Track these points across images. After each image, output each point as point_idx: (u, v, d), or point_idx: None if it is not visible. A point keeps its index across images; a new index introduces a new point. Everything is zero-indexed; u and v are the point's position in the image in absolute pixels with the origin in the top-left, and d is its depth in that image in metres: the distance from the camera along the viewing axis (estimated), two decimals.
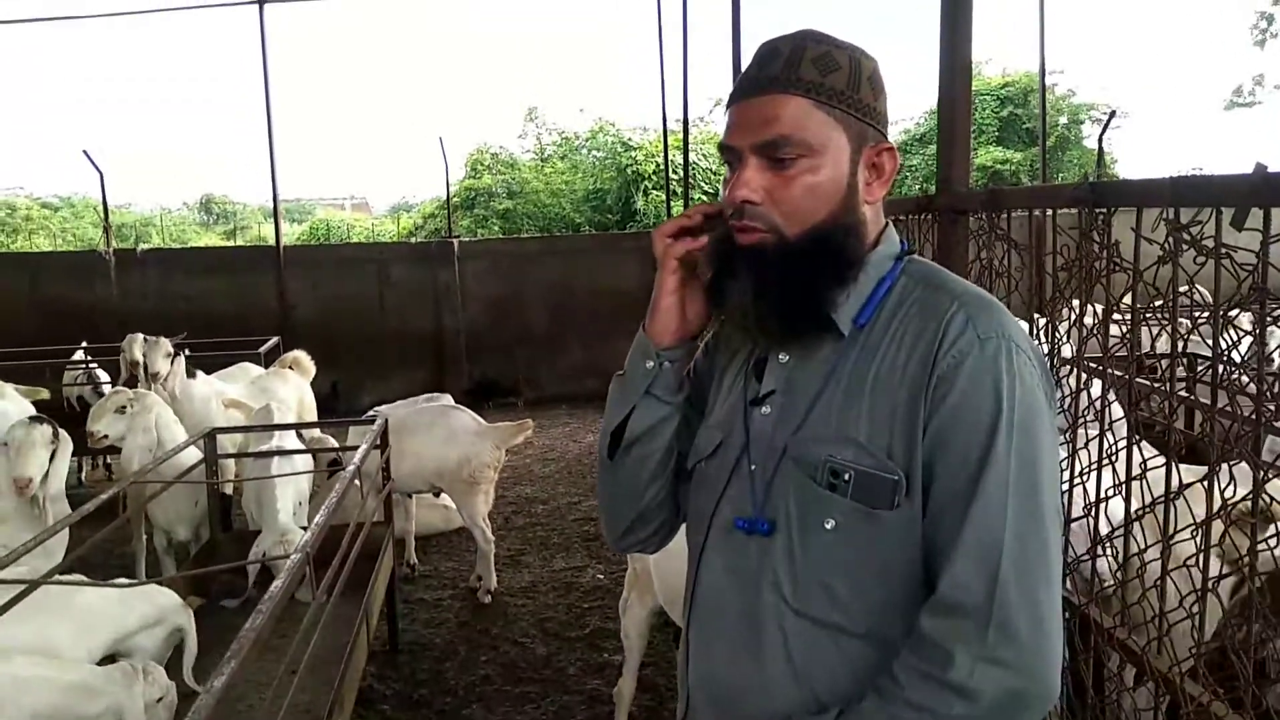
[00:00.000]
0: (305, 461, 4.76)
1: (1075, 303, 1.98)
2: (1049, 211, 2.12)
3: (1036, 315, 2.17)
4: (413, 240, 14.95)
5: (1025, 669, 0.98)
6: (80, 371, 7.06)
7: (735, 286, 1.13)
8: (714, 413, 1.26)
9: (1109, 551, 1.84)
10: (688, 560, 1.27)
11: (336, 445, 5.09)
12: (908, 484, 1.05)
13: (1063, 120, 20.23)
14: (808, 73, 1.10)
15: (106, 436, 4.51)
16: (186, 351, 5.53)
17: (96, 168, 10.05)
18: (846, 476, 1.07)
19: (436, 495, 6.15)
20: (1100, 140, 8.86)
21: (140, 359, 5.78)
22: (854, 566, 1.08)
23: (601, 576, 5.30)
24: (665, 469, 1.28)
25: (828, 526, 1.08)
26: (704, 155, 15.37)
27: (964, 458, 1.02)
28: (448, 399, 6.18)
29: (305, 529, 3.64)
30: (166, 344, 5.39)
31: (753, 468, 1.16)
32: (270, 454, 4.40)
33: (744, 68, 1.17)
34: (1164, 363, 1.97)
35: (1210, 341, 1.55)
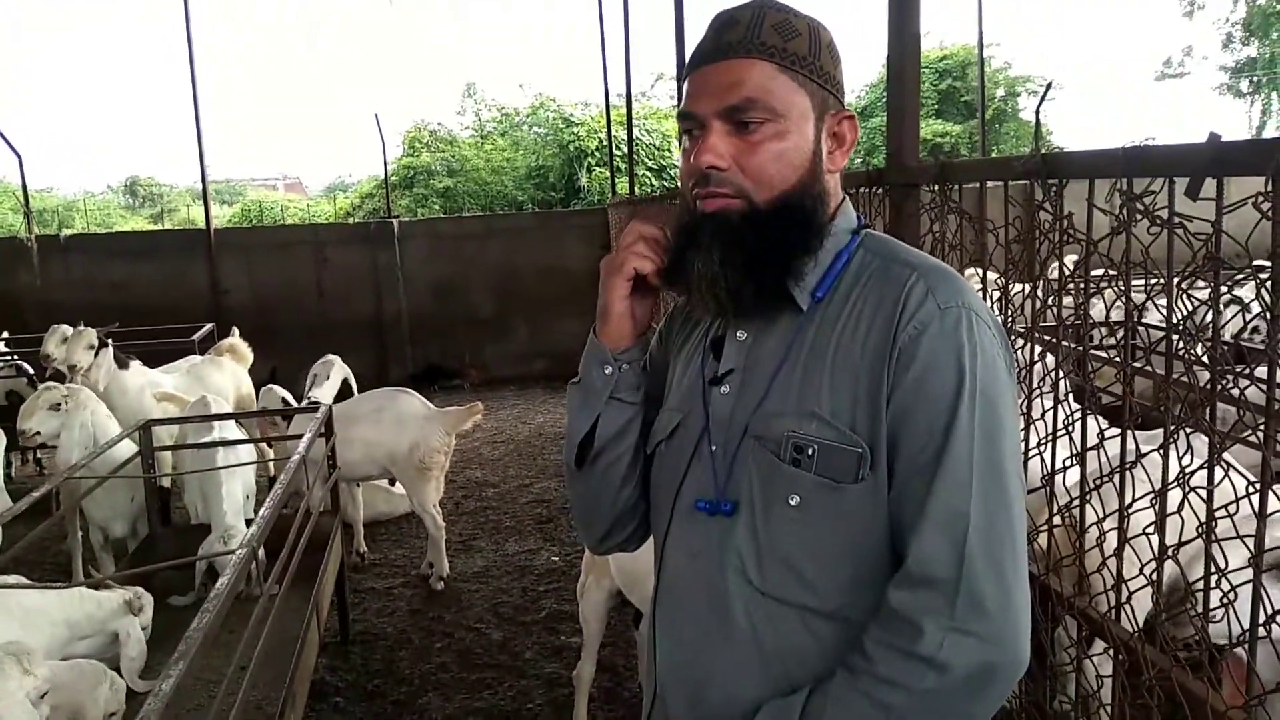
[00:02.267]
0: (249, 452, 4.62)
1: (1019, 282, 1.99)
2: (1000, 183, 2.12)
3: (989, 285, 2.18)
4: (350, 221, 14.64)
5: (995, 639, 0.98)
6: (3, 365, 6.77)
7: (700, 255, 1.10)
8: (672, 394, 1.24)
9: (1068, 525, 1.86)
10: (653, 546, 1.24)
11: (281, 421, 4.98)
12: (872, 456, 1.04)
13: (1000, 93, 20.57)
14: (770, 38, 1.07)
15: (39, 434, 4.28)
16: (110, 342, 5.30)
17: (14, 150, 9.64)
18: (810, 451, 1.05)
19: (391, 484, 6.07)
20: (1037, 112, 9.00)
21: (52, 353, 5.53)
22: (819, 544, 1.07)
23: (556, 559, 5.27)
24: (635, 469, 1.26)
25: (792, 503, 1.07)
26: (647, 131, 15.29)
27: (928, 429, 1.02)
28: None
29: (252, 521, 3.53)
30: (90, 334, 5.15)
31: (713, 448, 1.14)
32: (213, 445, 4.27)
33: (695, 39, 1.14)
34: (1118, 333, 1.99)
35: (1164, 312, 1.56)
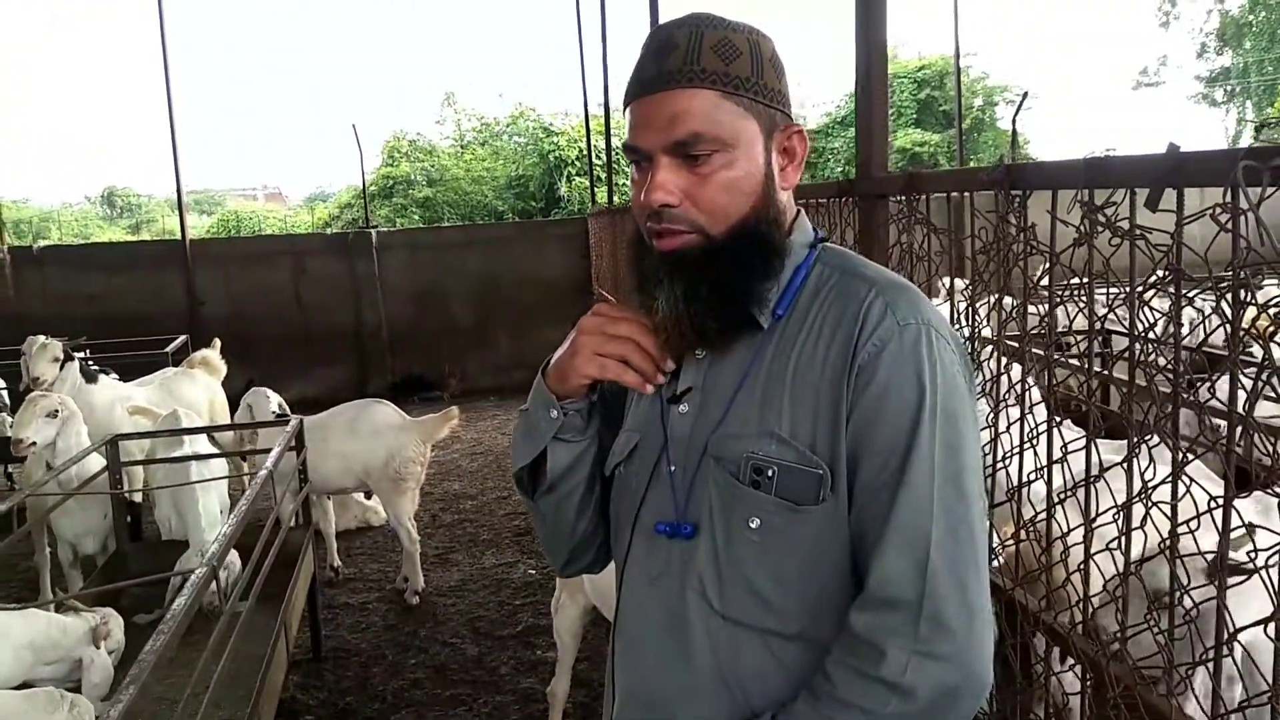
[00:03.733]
0: (222, 466, 4.56)
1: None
2: (966, 195, 2.11)
3: (957, 298, 2.17)
4: (329, 231, 14.54)
5: (959, 661, 0.96)
6: None
7: (662, 294, 1.07)
8: (630, 414, 1.21)
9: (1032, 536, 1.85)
10: (614, 568, 1.22)
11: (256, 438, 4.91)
12: (832, 477, 1.02)
13: (978, 102, 20.71)
14: (710, 62, 1.03)
15: (35, 444, 4.10)
16: (84, 354, 5.22)
17: None
18: (770, 473, 1.03)
19: (368, 497, 6.02)
20: (1014, 122, 9.06)
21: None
22: (781, 566, 1.04)
23: (533, 572, 5.22)
24: (590, 500, 1.23)
25: (752, 526, 1.04)
26: None
27: (888, 448, 0.99)
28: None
29: None
30: (55, 346, 5.05)
31: (672, 469, 1.11)
32: (184, 459, 4.20)
33: (638, 56, 1.10)
34: (1081, 342, 1.99)
35: (1126, 322, 1.55)
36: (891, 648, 0.95)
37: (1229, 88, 25.57)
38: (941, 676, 0.95)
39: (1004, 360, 2.03)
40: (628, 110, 1.09)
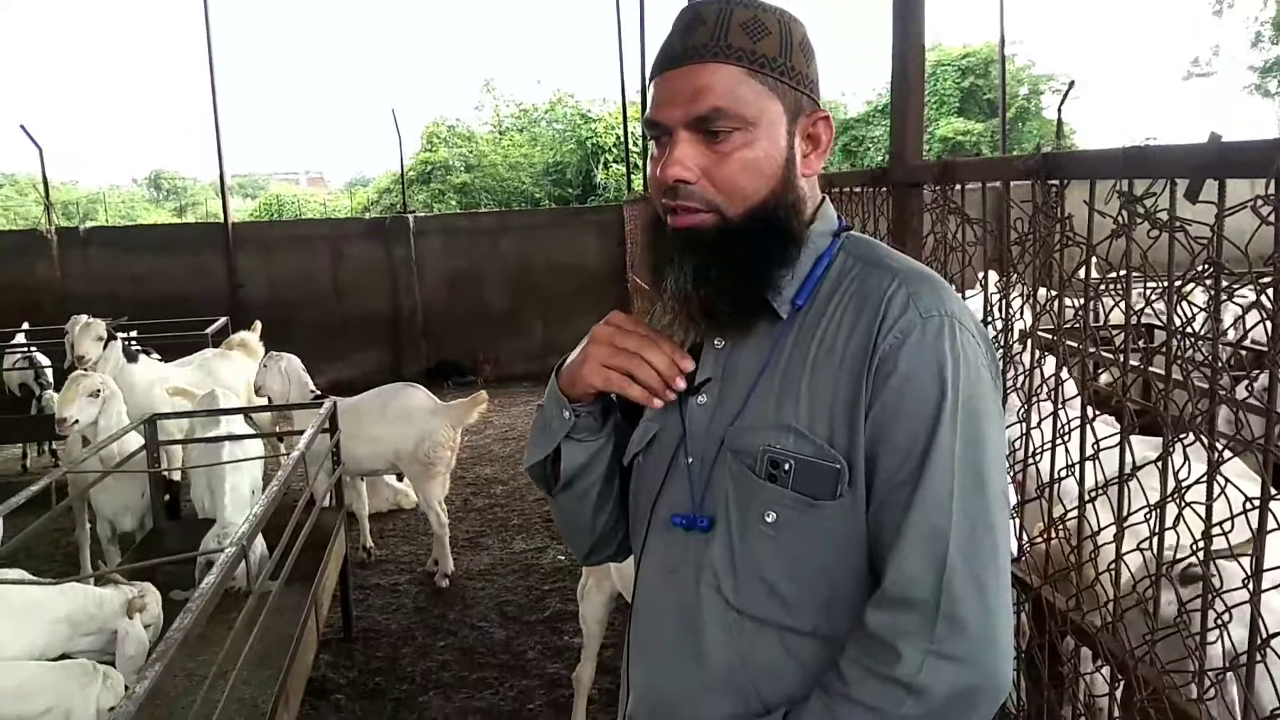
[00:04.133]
0: (257, 447, 4.63)
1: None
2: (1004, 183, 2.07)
3: (992, 290, 2.12)
4: (367, 216, 14.67)
5: (976, 662, 0.94)
6: (19, 357, 6.82)
7: (672, 274, 1.05)
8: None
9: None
10: (632, 558, 1.21)
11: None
12: (850, 472, 1.00)
13: (1023, 91, 20.35)
14: (737, 39, 1.01)
15: (78, 422, 4.20)
16: (125, 334, 5.30)
17: (35, 142, 9.71)
18: (786, 466, 1.01)
19: (400, 479, 6.08)
20: (1059, 111, 8.88)
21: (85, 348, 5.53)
22: (797, 561, 1.03)
23: (562, 558, 5.24)
24: (609, 496, 1.22)
25: (769, 520, 1.02)
26: None
27: (908, 443, 0.97)
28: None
29: None
30: (99, 326, 5.15)
31: (689, 461, 1.10)
32: (219, 439, 4.27)
33: (666, 34, 1.08)
34: (1118, 336, 1.94)
35: (1164, 317, 1.51)
36: (907, 648, 0.93)
37: None
38: (957, 677, 0.93)
39: (1038, 354, 1.99)
40: (652, 86, 1.07)
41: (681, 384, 1.08)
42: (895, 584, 0.96)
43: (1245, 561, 1.23)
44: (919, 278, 1.03)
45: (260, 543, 3.14)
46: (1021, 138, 20.03)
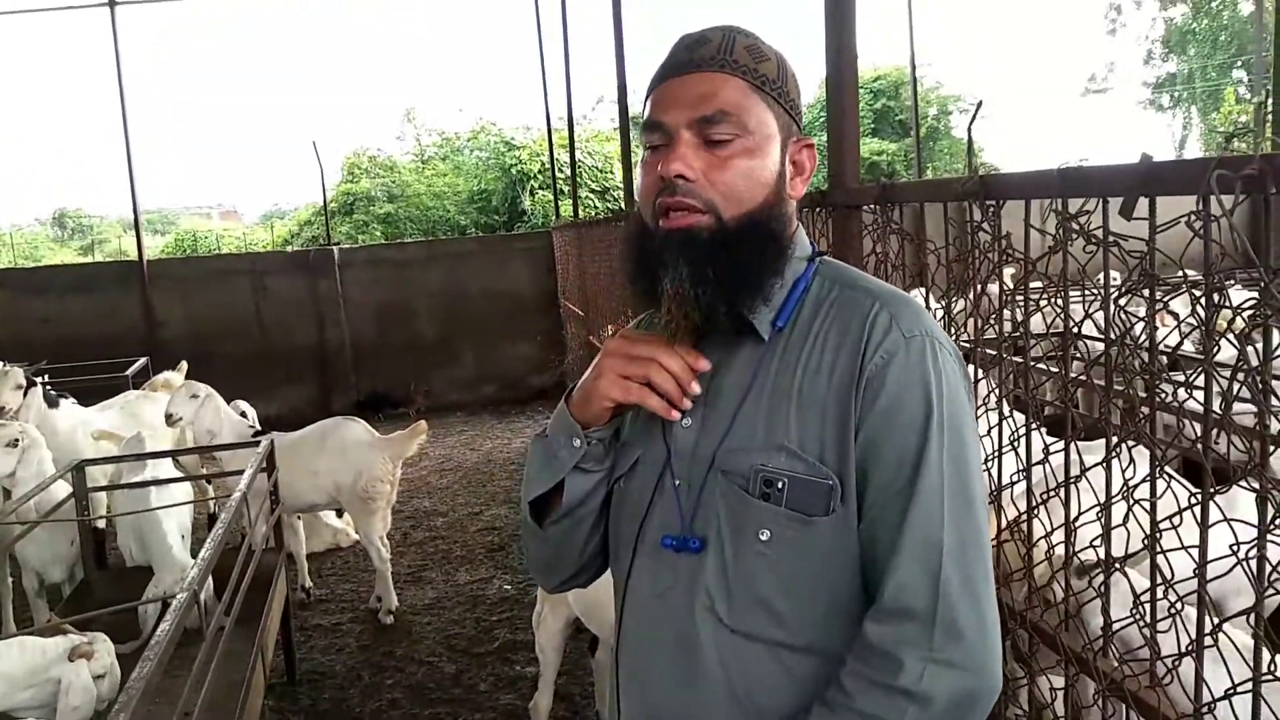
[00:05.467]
0: (185, 491, 4.48)
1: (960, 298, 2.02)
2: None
3: (935, 306, 2.21)
4: (289, 249, 14.37)
5: (974, 666, 0.98)
6: None
7: (668, 275, 1.06)
8: (629, 428, 1.20)
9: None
10: (614, 586, 1.21)
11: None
12: (842, 488, 1.03)
13: (932, 111, 21.06)
14: (742, 57, 1.08)
15: None
16: (44, 379, 5.10)
17: None
18: (780, 484, 1.04)
19: (340, 515, 5.96)
20: (969, 130, 9.21)
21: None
22: (790, 578, 1.05)
23: (509, 587, 5.20)
24: (600, 524, 1.22)
25: (762, 538, 1.05)
26: (589, 154, 15.34)
27: (899, 459, 1.01)
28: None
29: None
30: (17, 373, 4.94)
31: (677, 483, 1.12)
32: (147, 484, 4.12)
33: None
34: (1057, 347, 2.03)
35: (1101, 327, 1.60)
36: (908, 657, 0.96)
37: (1174, 94, 26.26)
38: (957, 683, 0.97)
39: (975, 369, 2.07)
40: (651, 94, 1.11)
41: (697, 389, 1.07)
42: (893, 595, 1.00)
43: (1194, 553, 1.31)
44: (898, 300, 1.07)
45: (209, 585, 3.05)
46: (933, 156, 20.72)
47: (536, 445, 1.19)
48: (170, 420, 4.97)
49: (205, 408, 4.97)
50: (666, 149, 1.07)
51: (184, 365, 7.01)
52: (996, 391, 1.93)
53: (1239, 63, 24.13)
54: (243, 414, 5.11)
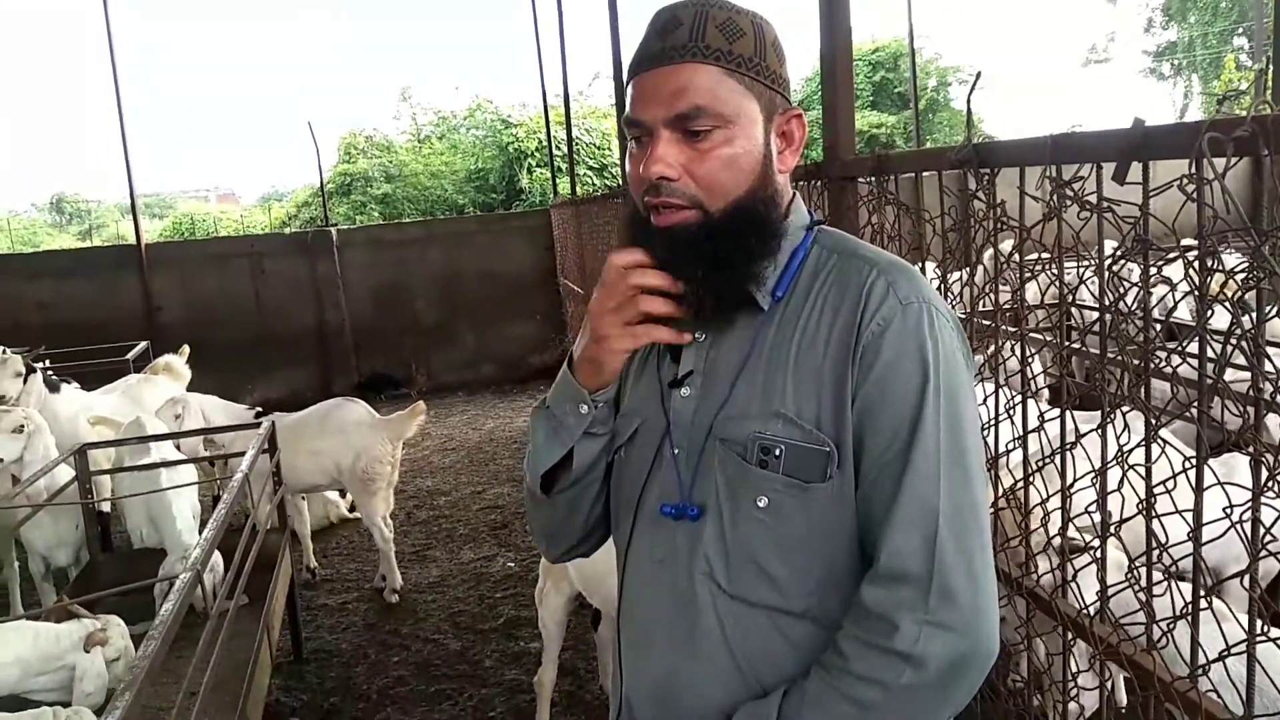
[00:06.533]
0: (192, 472, 4.50)
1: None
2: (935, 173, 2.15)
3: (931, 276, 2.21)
4: (287, 231, 14.34)
5: (968, 630, 0.98)
6: None
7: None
8: (628, 398, 1.21)
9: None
10: (615, 554, 1.23)
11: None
12: (839, 454, 1.04)
13: (931, 83, 20.93)
14: (714, 40, 1.05)
15: (2, 460, 4.01)
16: (44, 365, 5.11)
17: None
18: (778, 452, 1.04)
19: (343, 495, 5.99)
20: (969, 101, 9.15)
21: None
22: (789, 544, 1.06)
23: (512, 564, 5.23)
24: (604, 490, 1.24)
25: (760, 505, 1.06)
26: (586, 130, 15.25)
27: (895, 426, 1.02)
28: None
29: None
30: (16, 361, 4.94)
31: (676, 451, 1.13)
32: (154, 466, 4.14)
33: (631, 37, 1.11)
34: (1053, 316, 2.04)
35: (1096, 293, 1.60)
36: (903, 620, 0.97)
37: (1175, 62, 26.07)
38: (952, 646, 0.97)
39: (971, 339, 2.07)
40: (630, 85, 1.09)
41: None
42: (889, 559, 1.00)
43: (1188, 517, 1.32)
44: (896, 267, 1.07)
45: (219, 561, 3.07)
46: (932, 128, 20.61)
47: (539, 418, 1.20)
48: None
49: (187, 414, 5.02)
50: (650, 139, 1.07)
51: (185, 349, 7.00)
52: (993, 361, 1.93)
53: (1240, 30, 23.93)
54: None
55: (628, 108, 1.10)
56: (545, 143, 13.31)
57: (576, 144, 13.16)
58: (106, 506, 4.81)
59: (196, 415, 5.09)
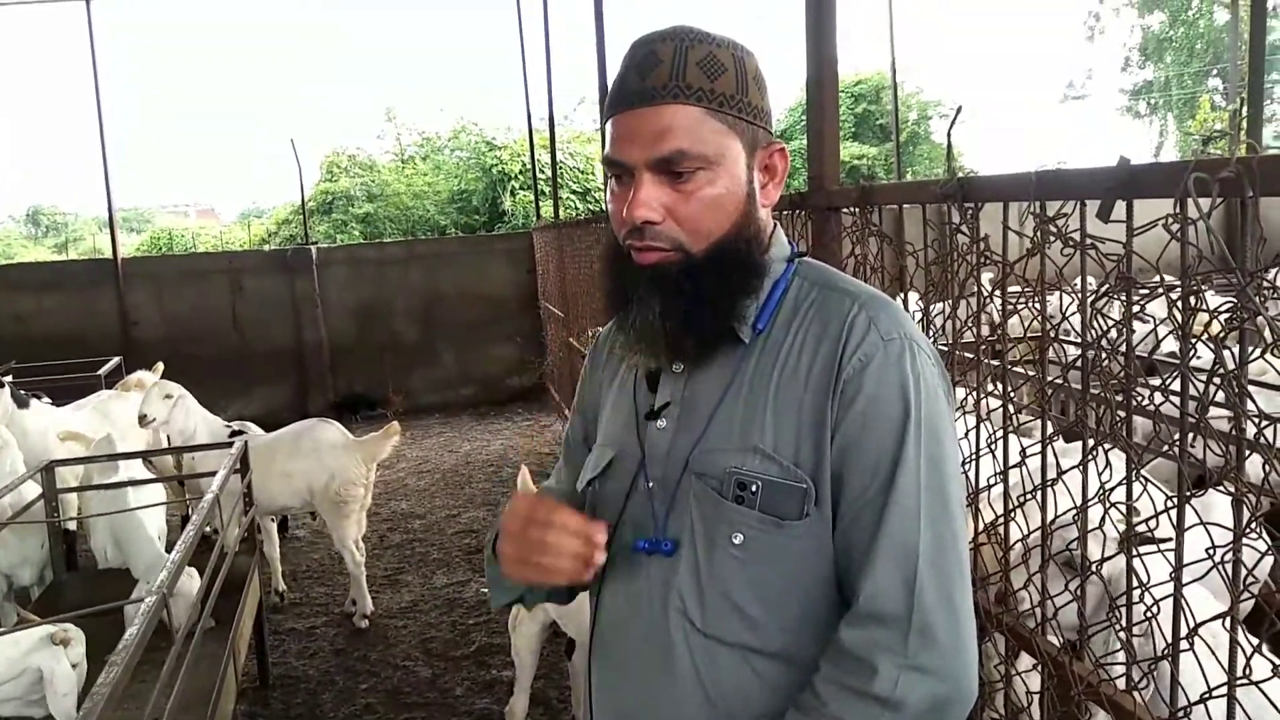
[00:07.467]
0: (159, 492, 4.42)
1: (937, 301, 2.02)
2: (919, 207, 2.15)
3: (914, 309, 2.20)
4: (266, 248, 14.25)
5: (947, 674, 0.96)
6: None
7: (639, 308, 1.06)
8: (604, 429, 1.19)
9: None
10: (588, 589, 1.20)
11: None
12: (816, 492, 1.02)
13: (913, 116, 21.20)
14: (696, 79, 1.03)
15: None
16: (10, 378, 5.01)
17: None
18: (754, 488, 1.02)
19: (314, 518, 5.90)
20: (949, 135, 9.27)
21: None
22: (763, 582, 1.04)
23: (486, 591, 5.15)
24: None
25: (735, 541, 1.03)
26: (570, 154, 15.30)
27: (875, 462, 1.00)
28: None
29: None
30: None
31: (650, 485, 1.10)
32: (122, 485, 4.06)
33: (619, 69, 1.09)
34: (1035, 350, 2.03)
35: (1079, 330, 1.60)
36: (882, 663, 0.95)
37: (1151, 100, 26.56)
38: (931, 689, 0.96)
39: (953, 372, 2.06)
40: (609, 123, 1.07)
41: (601, 558, 1.04)
42: (868, 599, 0.98)
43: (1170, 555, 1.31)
44: (877, 302, 1.06)
45: (193, 583, 2.99)
46: (913, 160, 20.85)
47: (487, 560, 1.21)
48: (144, 421, 4.92)
49: (178, 408, 4.93)
50: (631, 179, 1.05)
51: (160, 366, 6.91)
52: (974, 395, 1.93)
53: (1214, 70, 24.43)
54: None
55: (607, 146, 1.08)
56: (529, 165, 13.34)
57: (560, 168, 13.19)
58: (73, 525, 4.71)
59: (186, 414, 4.95)
